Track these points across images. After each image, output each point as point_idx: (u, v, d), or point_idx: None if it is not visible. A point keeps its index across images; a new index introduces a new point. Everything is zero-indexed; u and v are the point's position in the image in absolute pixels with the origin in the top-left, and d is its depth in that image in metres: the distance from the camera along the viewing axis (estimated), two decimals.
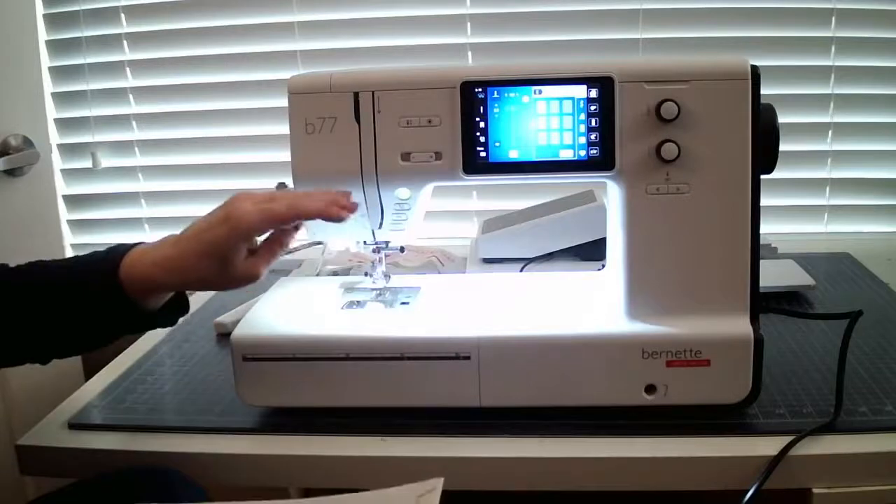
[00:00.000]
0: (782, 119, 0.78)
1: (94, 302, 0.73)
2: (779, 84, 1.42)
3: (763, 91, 0.76)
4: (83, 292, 0.73)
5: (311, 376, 0.82)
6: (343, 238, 1.17)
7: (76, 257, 0.77)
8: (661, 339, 0.79)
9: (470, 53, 1.49)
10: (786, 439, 0.74)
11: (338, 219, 0.76)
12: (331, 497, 0.66)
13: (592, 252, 1.19)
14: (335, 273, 1.25)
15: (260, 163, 1.56)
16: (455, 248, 1.35)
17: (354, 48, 1.50)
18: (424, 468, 0.78)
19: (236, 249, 0.74)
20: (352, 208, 0.77)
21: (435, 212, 1.31)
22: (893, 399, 0.81)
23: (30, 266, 0.76)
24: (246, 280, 0.76)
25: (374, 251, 0.92)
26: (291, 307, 0.91)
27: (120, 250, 0.75)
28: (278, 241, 0.79)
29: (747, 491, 0.71)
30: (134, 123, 1.59)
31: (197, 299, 1.24)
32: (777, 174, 0.80)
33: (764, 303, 0.81)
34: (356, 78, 0.80)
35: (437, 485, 0.63)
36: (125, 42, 1.55)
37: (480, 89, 0.78)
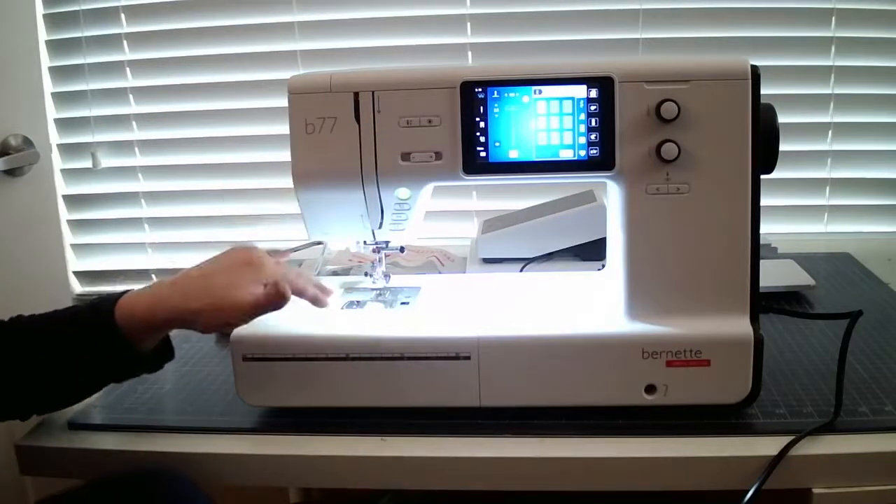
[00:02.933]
0: (782, 119, 0.78)
1: (92, 345, 0.73)
2: (779, 84, 1.42)
3: (763, 91, 0.76)
4: (80, 337, 0.73)
5: (311, 376, 0.82)
6: (343, 238, 1.17)
7: (59, 310, 0.77)
8: (661, 339, 0.79)
9: (470, 53, 1.49)
10: (786, 439, 0.74)
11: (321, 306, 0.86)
12: None
13: (592, 252, 1.19)
14: (335, 273, 1.25)
15: (260, 163, 1.56)
16: (455, 248, 1.35)
17: (354, 48, 1.50)
18: (424, 468, 0.78)
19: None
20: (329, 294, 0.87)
21: (435, 212, 1.31)
22: (893, 399, 0.81)
23: (14, 320, 0.76)
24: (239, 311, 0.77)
25: (374, 251, 0.92)
26: (291, 307, 0.90)
27: (111, 297, 0.75)
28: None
29: (747, 491, 0.71)
30: (134, 123, 1.59)
31: None
32: (777, 174, 0.80)
33: (764, 303, 0.81)
34: (356, 78, 0.80)
35: None
36: (125, 42, 1.55)
37: (480, 89, 0.78)
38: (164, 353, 0.81)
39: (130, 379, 0.79)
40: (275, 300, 0.77)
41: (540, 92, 0.78)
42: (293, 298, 0.94)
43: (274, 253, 0.84)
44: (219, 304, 0.75)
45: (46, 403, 0.78)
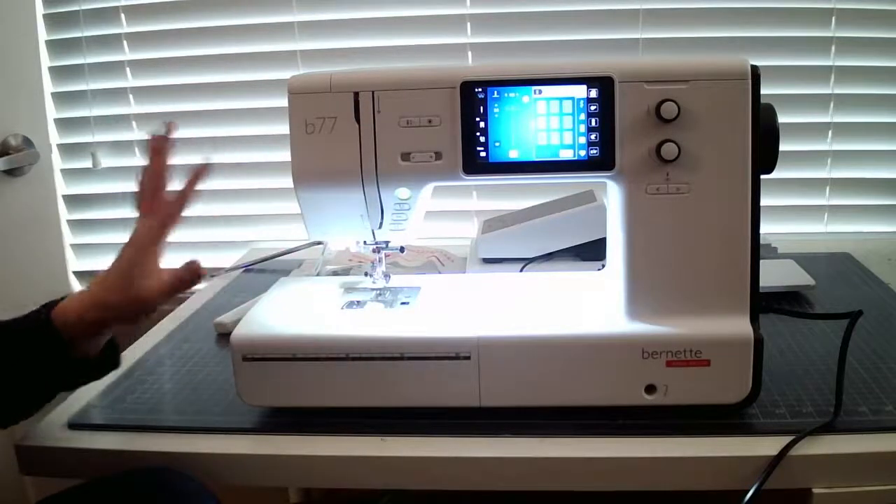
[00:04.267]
0: (782, 119, 0.78)
1: (33, 351, 0.73)
2: (779, 84, 1.42)
3: (763, 91, 0.76)
4: (21, 343, 0.73)
5: (311, 376, 0.82)
6: (343, 238, 1.17)
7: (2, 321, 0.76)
8: (661, 339, 0.79)
9: (470, 53, 1.49)
10: (786, 439, 0.74)
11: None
12: None
13: (592, 252, 1.19)
14: (335, 273, 1.25)
15: (260, 163, 1.56)
16: (455, 248, 1.35)
17: (354, 48, 1.50)
18: (424, 468, 0.78)
19: (140, 264, 0.76)
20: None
21: (435, 212, 1.31)
22: (893, 399, 0.81)
23: None
24: (147, 297, 0.76)
25: (374, 251, 0.92)
26: (291, 307, 0.91)
27: (50, 303, 0.76)
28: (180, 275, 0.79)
29: (747, 491, 0.71)
30: (134, 123, 1.59)
31: (197, 299, 1.24)
32: (777, 174, 0.80)
33: (764, 303, 0.81)
34: (356, 78, 0.80)
35: None
36: (125, 42, 1.55)
37: (480, 89, 0.78)
38: (109, 360, 0.81)
39: (78, 387, 0.80)
40: (184, 277, 0.77)
41: (540, 92, 0.78)
42: (293, 294, 0.94)
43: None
44: (134, 294, 0.75)
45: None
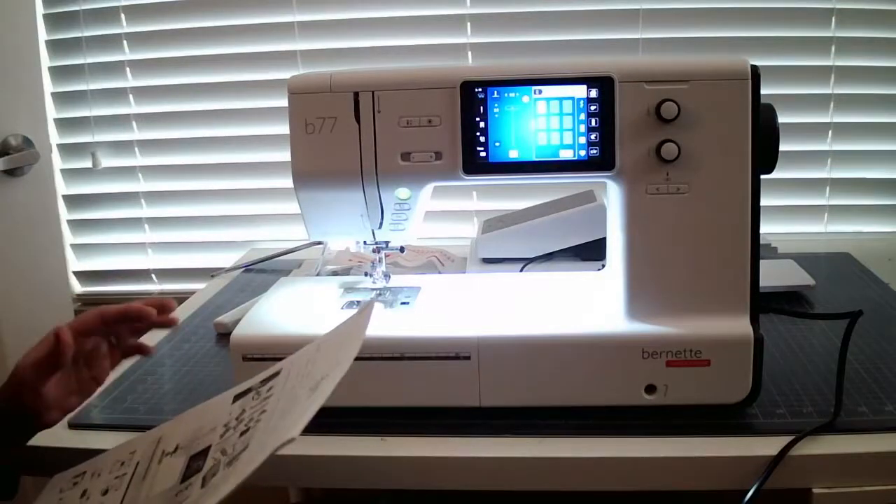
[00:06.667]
0: (782, 119, 0.78)
1: None
2: (779, 84, 1.42)
3: (763, 91, 0.76)
4: None
5: None
6: (343, 238, 1.17)
7: None
8: (661, 339, 0.79)
9: (470, 53, 1.49)
10: (786, 439, 0.74)
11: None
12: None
13: (592, 252, 1.19)
14: (335, 273, 1.25)
15: (260, 163, 1.56)
16: (455, 248, 1.35)
17: (354, 48, 1.50)
18: (424, 468, 0.78)
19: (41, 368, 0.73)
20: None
21: (435, 212, 1.31)
22: (893, 399, 0.81)
23: None
24: (57, 408, 0.75)
25: (374, 251, 0.92)
26: (291, 307, 0.91)
27: None
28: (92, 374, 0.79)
29: (747, 491, 0.71)
30: (134, 123, 1.59)
31: (197, 299, 1.24)
32: (777, 174, 0.80)
33: (764, 303, 0.81)
34: (356, 78, 0.80)
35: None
36: (125, 42, 1.55)
37: (480, 89, 0.78)
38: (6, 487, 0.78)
39: None
40: (48, 345, 0.72)
41: (540, 92, 0.78)
42: (293, 294, 0.94)
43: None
44: (11, 378, 0.73)
45: None
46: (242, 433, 0.61)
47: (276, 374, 0.67)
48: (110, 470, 0.69)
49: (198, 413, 0.71)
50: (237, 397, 0.69)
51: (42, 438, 0.84)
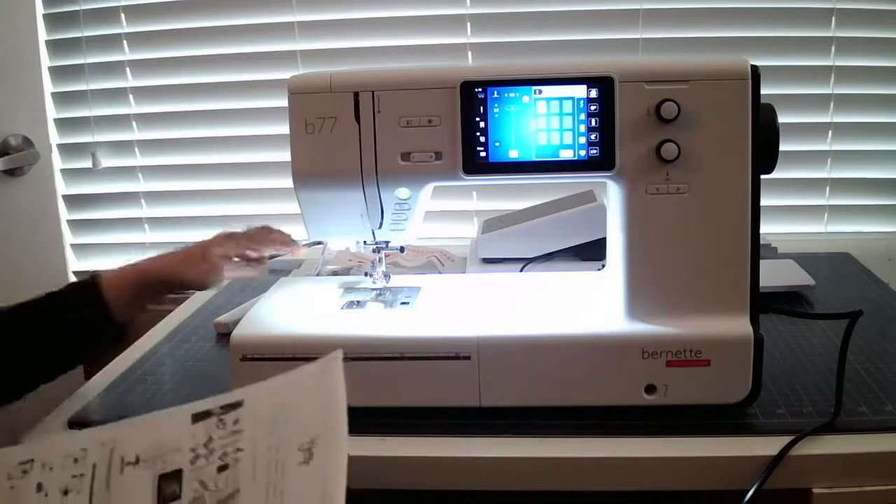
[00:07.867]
0: (782, 119, 0.78)
1: (78, 319, 0.83)
2: (779, 84, 1.42)
3: (763, 91, 0.76)
4: (68, 312, 0.83)
5: None
6: (343, 238, 1.17)
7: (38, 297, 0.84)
8: (661, 339, 0.79)
9: (470, 53, 1.49)
10: (786, 439, 0.74)
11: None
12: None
13: (592, 252, 1.19)
14: (335, 273, 1.25)
15: (260, 163, 1.56)
16: (455, 248, 1.35)
17: (354, 48, 1.50)
18: (424, 468, 0.78)
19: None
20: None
21: (435, 212, 1.31)
22: (893, 399, 0.81)
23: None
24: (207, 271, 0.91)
25: (374, 251, 0.92)
26: (291, 307, 0.91)
27: (88, 280, 0.85)
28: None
29: (747, 491, 0.71)
30: (134, 123, 1.59)
31: (197, 299, 1.24)
32: (777, 174, 0.80)
33: (764, 303, 0.81)
34: (356, 78, 0.80)
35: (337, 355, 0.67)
36: (125, 42, 1.55)
37: (480, 89, 0.78)
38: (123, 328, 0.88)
39: (95, 352, 0.87)
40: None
41: (540, 92, 0.78)
42: (293, 294, 0.94)
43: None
44: (189, 253, 0.94)
45: (34, 379, 0.83)
46: (221, 469, 0.60)
47: (238, 404, 0.66)
48: (62, 465, 0.66)
49: (150, 423, 0.68)
50: (196, 417, 0.66)
51: (42, 438, 0.84)
